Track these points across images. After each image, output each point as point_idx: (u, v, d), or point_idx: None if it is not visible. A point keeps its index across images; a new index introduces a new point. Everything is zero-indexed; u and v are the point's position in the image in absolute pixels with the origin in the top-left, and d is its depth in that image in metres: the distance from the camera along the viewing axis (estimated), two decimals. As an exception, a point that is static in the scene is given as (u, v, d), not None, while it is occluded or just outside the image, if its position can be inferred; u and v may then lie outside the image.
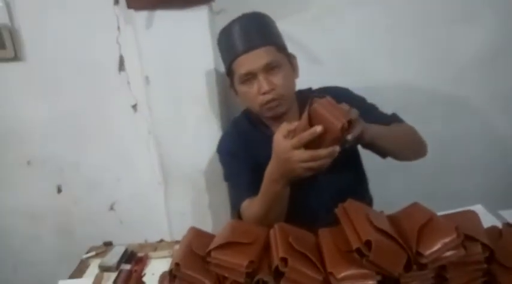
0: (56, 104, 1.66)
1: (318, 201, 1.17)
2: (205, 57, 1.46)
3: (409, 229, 0.73)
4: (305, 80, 1.36)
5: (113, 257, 1.11)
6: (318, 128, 0.81)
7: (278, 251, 0.74)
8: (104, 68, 1.61)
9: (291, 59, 1.17)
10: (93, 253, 1.18)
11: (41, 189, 1.77)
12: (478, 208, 1.20)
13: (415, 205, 0.83)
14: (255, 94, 1.10)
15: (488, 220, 1.14)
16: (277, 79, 1.09)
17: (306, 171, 0.86)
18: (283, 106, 1.12)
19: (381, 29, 1.59)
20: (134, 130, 1.68)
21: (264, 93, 1.08)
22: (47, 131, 1.69)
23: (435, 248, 0.69)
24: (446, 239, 0.69)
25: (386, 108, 1.63)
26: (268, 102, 1.10)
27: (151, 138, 1.65)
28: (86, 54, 1.60)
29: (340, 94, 1.21)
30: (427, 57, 1.63)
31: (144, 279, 1.03)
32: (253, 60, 1.07)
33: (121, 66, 1.60)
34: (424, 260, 0.69)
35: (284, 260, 0.71)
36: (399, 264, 0.68)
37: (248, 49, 1.08)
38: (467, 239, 0.71)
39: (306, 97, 1.14)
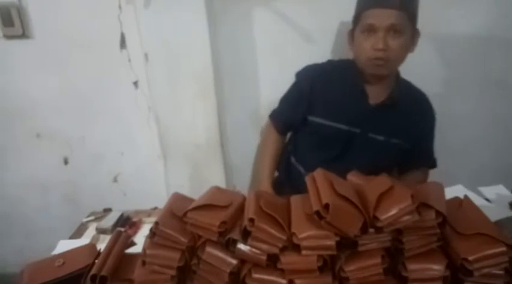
0: (62, 80, 1.75)
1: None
2: (201, 36, 1.50)
3: (371, 196, 0.79)
4: (296, 57, 1.41)
5: (109, 221, 1.20)
6: None
7: (248, 213, 0.80)
8: (107, 45, 1.68)
9: (415, 33, 1.22)
10: (92, 218, 1.27)
11: (49, 160, 1.88)
12: (458, 187, 1.25)
13: (381, 176, 0.88)
14: (368, 47, 1.17)
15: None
16: (394, 43, 1.15)
17: None
18: (386, 69, 1.20)
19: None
20: (136, 106, 1.76)
21: (376, 49, 1.15)
22: (54, 105, 1.79)
23: (391, 213, 0.74)
24: (402, 205, 0.74)
25: None
26: (375, 58, 1.17)
27: (151, 114, 1.73)
28: (90, 32, 1.67)
29: (427, 107, 1.36)
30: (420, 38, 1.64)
31: (137, 240, 1.12)
32: (383, 16, 1.13)
33: (122, 43, 1.67)
34: (380, 224, 0.74)
35: (252, 220, 0.78)
36: (355, 226, 0.74)
37: (384, 5, 1.13)
38: (423, 206, 0.76)
39: (406, 85, 1.32)
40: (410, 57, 1.66)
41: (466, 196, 0.89)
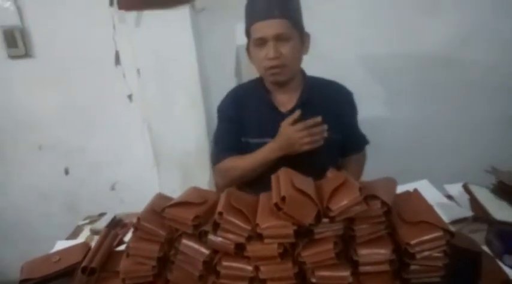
0: (62, 95, 1.89)
1: None
2: (188, 51, 1.64)
3: (326, 189, 0.89)
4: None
5: (102, 223, 1.31)
6: (318, 118, 1.18)
7: (219, 208, 0.91)
8: (103, 62, 1.82)
9: (303, 36, 1.31)
10: (87, 221, 1.39)
11: (51, 171, 2.01)
12: (424, 182, 1.35)
13: (339, 173, 0.98)
14: (263, 58, 1.26)
15: (431, 192, 1.29)
16: (285, 49, 1.24)
17: (303, 145, 1.19)
18: (284, 75, 1.28)
19: (351, 20, 1.72)
20: (131, 118, 1.89)
21: (270, 59, 1.24)
22: (55, 119, 1.92)
23: (341, 204, 0.84)
24: (351, 197, 0.84)
25: (358, 95, 1.74)
26: (272, 67, 1.26)
27: (145, 125, 1.85)
28: (87, 50, 1.81)
29: (342, 95, 1.42)
30: (395, 47, 1.76)
31: (127, 240, 1.22)
32: (268, 28, 1.22)
33: (117, 60, 1.81)
34: (332, 214, 0.85)
35: (221, 214, 0.88)
36: (309, 216, 0.84)
37: (266, 17, 1.22)
38: (370, 197, 0.86)
39: (315, 83, 1.38)
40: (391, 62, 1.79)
41: (415, 189, 0.99)
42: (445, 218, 1.12)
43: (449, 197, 1.28)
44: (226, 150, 1.37)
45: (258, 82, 1.39)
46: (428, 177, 1.38)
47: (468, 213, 1.15)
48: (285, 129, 1.23)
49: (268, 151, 1.28)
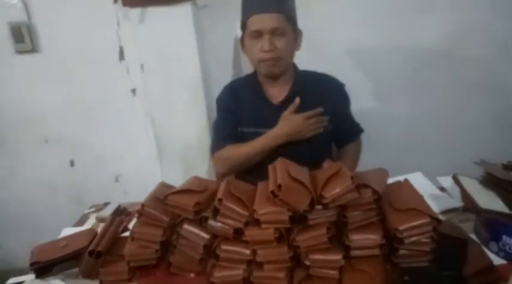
0: (67, 89, 1.94)
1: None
2: (190, 47, 1.68)
3: (320, 178, 0.94)
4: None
5: (107, 211, 1.36)
6: (320, 109, 1.29)
7: (218, 195, 0.96)
8: (107, 57, 1.87)
9: (296, 33, 1.36)
10: (93, 209, 1.44)
11: (57, 163, 2.06)
12: (418, 175, 1.40)
13: (334, 164, 1.03)
14: (258, 50, 1.30)
15: (425, 184, 1.34)
16: (279, 43, 1.29)
17: (311, 130, 1.31)
18: (278, 68, 1.34)
19: (349, 16, 1.76)
20: (134, 112, 1.94)
21: (265, 51, 1.29)
22: (60, 113, 1.97)
23: (334, 192, 0.89)
24: (344, 185, 0.89)
25: (353, 91, 1.79)
26: (266, 59, 1.31)
27: (148, 118, 1.90)
28: (92, 46, 1.86)
29: (334, 87, 1.47)
30: (392, 43, 1.80)
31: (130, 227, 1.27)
32: (264, 21, 1.27)
33: (121, 55, 1.85)
34: (325, 201, 0.89)
35: (220, 200, 0.93)
36: (303, 202, 0.88)
37: (263, 11, 1.27)
38: (362, 186, 0.91)
39: (306, 76, 1.43)
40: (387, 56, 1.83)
41: (406, 179, 1.04)
42: (437, 208, 1.16)
43: (442, 189, 1.32)
44: (226, 137, 1.41)
45: (252, 77, 1.46)
46: (422, 170, 1.42)
47: (459, 203, 1.20)
48: (290, 116, 1.31)
49: (271, 138, 1.32)
